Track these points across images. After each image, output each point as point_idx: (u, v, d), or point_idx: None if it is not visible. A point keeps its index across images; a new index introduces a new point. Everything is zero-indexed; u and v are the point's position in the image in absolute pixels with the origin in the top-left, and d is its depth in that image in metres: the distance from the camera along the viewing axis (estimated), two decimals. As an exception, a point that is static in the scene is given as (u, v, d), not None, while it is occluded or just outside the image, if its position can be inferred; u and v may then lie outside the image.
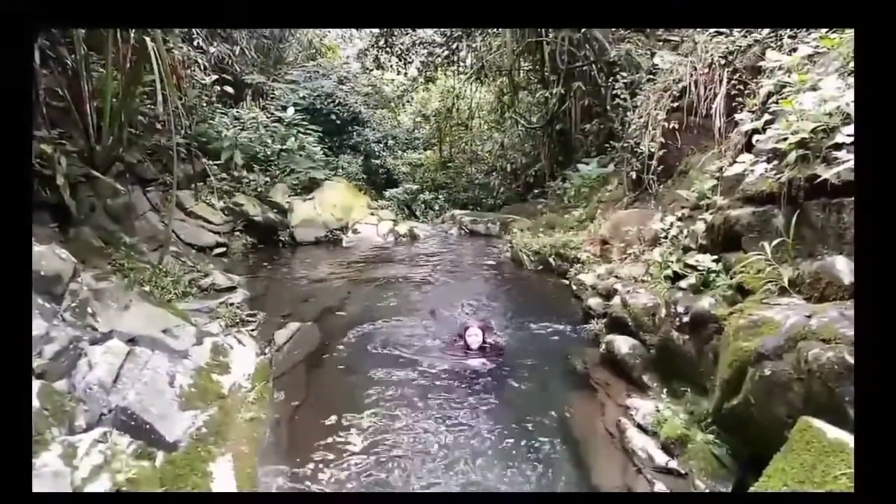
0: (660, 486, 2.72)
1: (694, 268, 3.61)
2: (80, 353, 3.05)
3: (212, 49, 11.16)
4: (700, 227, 3.96)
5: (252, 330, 4.79)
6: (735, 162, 3.56)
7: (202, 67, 9.43)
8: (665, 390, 3.50)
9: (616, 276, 5.21)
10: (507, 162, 13.58)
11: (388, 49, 16.71)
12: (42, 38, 4.67)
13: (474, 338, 4.28)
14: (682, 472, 2.77)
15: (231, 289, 5.77)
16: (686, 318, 3.34)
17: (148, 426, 2.86)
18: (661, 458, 2.87)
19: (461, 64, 16.22)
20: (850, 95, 2.69)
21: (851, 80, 2.90)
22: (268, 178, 9.92)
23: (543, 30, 10.46)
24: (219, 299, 5.31)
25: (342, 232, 10.00)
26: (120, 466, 2.46)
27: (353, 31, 17.63)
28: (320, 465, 2.94)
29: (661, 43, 8.16)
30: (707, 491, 2.63)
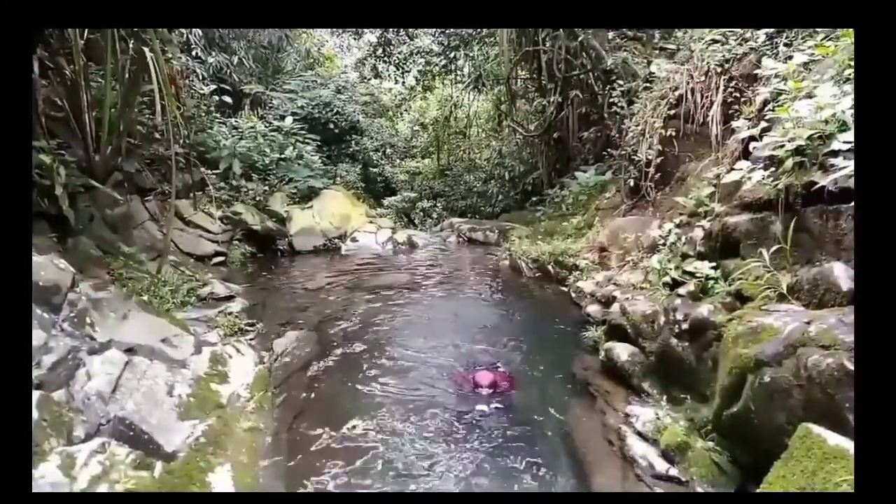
0: (661, 494, 2.71)
1: (692, 275, 3.62)
2: (79, 364, 3.03)
3: (210, 59, 11.27)
4: (698, 234, 3.97)
5: (251, 339, 4.77)
6: (732, 169, 3.58)
7: (200, 77, 9.52)
8: (665, 397, 3.49)
9: (615, 284, 5.22)
10: (505, 170, 13.57)
11: (385, 58, 16.85)
12: (41, 49, 4.69)
13: (484, 386, 3.94)
14: (683, 479, 2.76)
15: (230, 298, 5.76)
16: (685, 325, 3.34)
17: (146, 436, 2.84)
18: (661, 466, 2.86)
19: (459, 73, 16.34)
20: (845, 102, 2.72)
21: (847, 87, 2.93)
22: (266, 187, 9.93)
23: (540, 39, 10.52)
24: (217, 308, 5.29)
25: (341, 240, 10.01)
26: (118, 477, 2.44)
27: (352, 40, 17.77)
28: (319, 475, 2.92)
29: (657, 51, 8.22)
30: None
